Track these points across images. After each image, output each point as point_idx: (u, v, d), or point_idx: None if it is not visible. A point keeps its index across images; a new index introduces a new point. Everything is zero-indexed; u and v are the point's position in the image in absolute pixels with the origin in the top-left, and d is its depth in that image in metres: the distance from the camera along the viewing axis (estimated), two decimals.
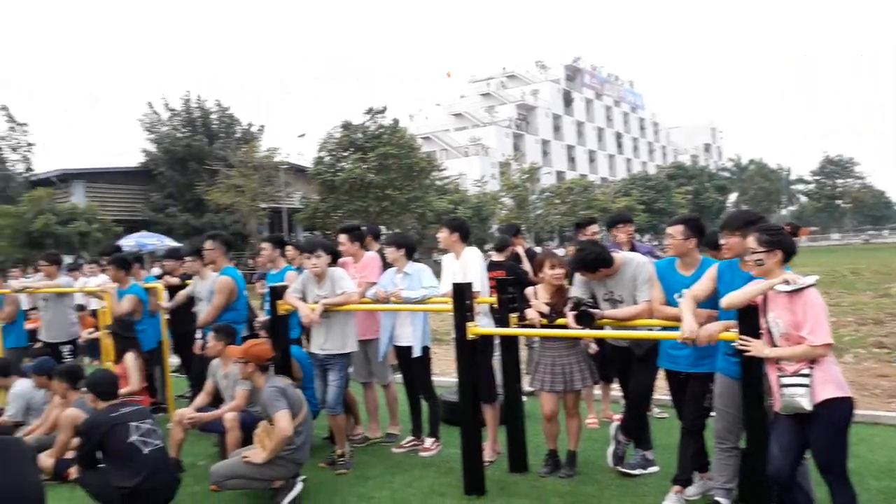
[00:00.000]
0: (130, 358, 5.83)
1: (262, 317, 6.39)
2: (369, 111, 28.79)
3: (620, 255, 4.42)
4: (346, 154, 28.48)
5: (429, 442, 5.36)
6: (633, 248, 5.39)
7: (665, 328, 4.02)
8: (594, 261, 4.26)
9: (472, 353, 4.33)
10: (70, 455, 4.86)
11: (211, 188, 27.18)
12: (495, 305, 4.76)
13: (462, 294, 4.23)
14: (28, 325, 8.18)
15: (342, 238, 5.65)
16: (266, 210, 29.36)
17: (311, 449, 4.66)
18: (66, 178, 28.74)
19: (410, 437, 5.55)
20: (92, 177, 29.56)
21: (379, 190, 27.07)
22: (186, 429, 5.05)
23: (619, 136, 77.96)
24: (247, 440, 4.75)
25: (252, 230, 27.70)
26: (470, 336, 4.25)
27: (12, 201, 23.40)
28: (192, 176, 29.47)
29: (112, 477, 3.98)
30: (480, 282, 4.82)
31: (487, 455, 4.77)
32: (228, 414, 4.86)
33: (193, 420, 5.02)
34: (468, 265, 4.93)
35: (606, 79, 78.33)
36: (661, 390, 4.75)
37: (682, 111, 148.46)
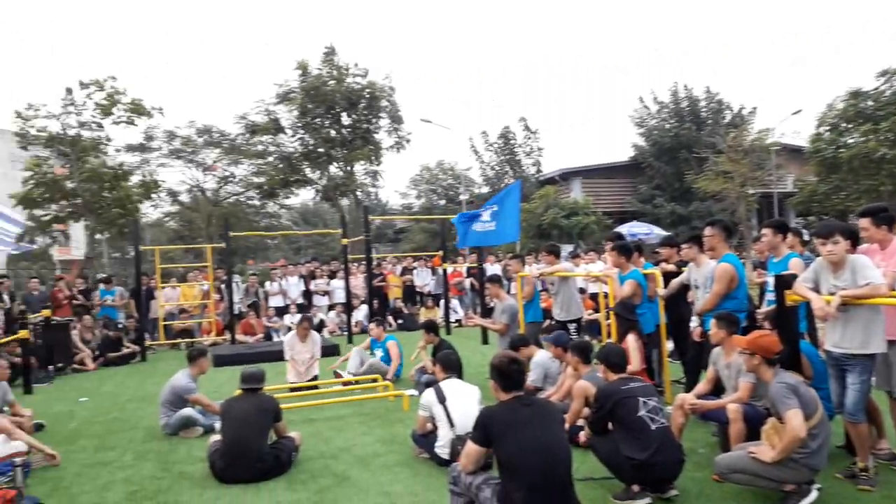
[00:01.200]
0: (632, 339, 6.15)
1: (764, 307, 6.03)
2: (883, 73, 24.41)
3: None
4: (850, 127, 24.79)
5: None
6: None
7: None
8: None
9: None
10: (580, 422, 5.37)
11: (699, 176, 26.94)
12: None
13: None
14: (541, 304, 9.34)
15: (864, 222, 4.89)
16: (755, 195, 27.70)
17: (827, 456, 4.18)
18: (566, 177, 32.18)
19: None
20: (587, 173, 32.43)
21: (894, 165, 22.76)
22: (687, 414, 5.07)
23: None
24: (749, 434, 4.54)
25: (741, 217, 26.47)
26: None
27: (526, 199, 27.32)
28: (681, 165, 29.75)
29: (622, 446, 4.25)
30: None
31: None
32: (731, 405, 4.71)
33: (695, 406, 5.01)
34: None
35: None
36: None
37: None
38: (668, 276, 7.22)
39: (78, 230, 25.41)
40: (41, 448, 5.62)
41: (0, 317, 11.28)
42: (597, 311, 10.89)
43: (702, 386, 5.33)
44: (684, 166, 29.57)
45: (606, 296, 8.04)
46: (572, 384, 5.69)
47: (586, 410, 5.19)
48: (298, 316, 14.40)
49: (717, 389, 5.26)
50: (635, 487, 4.25)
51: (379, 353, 8.95)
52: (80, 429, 7.07)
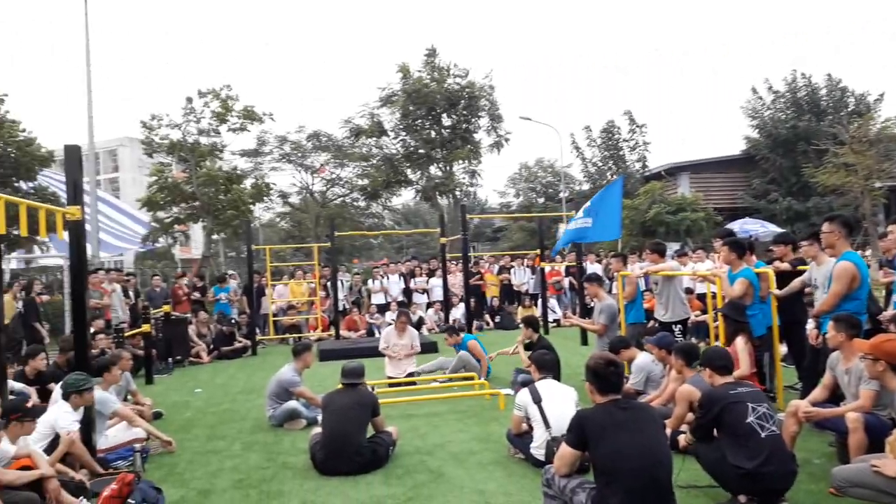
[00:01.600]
0: (741, 342, 5.82)
1: (891, 309, 5.56)
2: None
3: None
4: None
5: None
6: None
7: None
8: None
9: None
10: (683, 428, 5.13)
11: (818, 170, 25.23)
12: None
13: None
14: (644, 305, 9.02)
15: None
16: (882, 189, 25.60)
17: None
18: (673, 172, 30.96)
19: None
20: (696, 168, 31.05)
21: None
22: (801, 422, 4.75)
23: None
24: (871, 446, 4.20)
25: (865, 213, 24.55)
26: None
27: (630, 195, 26.54)
28: (799, 158, 27.97)
29: (728, 454, 4.01)
30: None
31: None
32: (851, 414, 4.36)
33: (810, 414, 4.68)
34: None
35: None
36: None
37: None
38: (781, 276, 6.79)
39: (198, 231, 27.05)
40: (159, 435, 6.01)
41: (126, 312, 12.17)
42: (704, 311, 10.41)
43: (818, 392, 4.97)
44: (802, 159, 27.74)
45: (715, 296, 7.67)
46: (676, 388, 5.47)
47: (690, 416, 4.96)
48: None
49: (835, 397, 4.90)
50: (742, 498, 4.01)
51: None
52: (194, 418, 7.50)
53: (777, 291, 6.52)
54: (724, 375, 4.38)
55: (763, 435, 3.95)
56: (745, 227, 22.05)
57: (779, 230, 19.41)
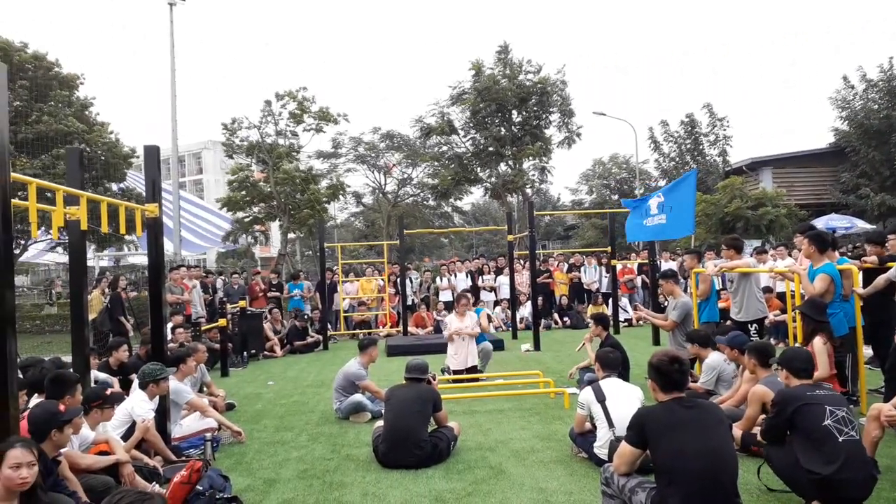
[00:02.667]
0: (819, 342, 5.52)
1: None
2: None
3: None
4: None
5: None
6: None
7: None
8: None
9: None
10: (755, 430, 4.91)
11: None
12: None
13: None
14: (719, 304, 8.68)
15: None
16: None
17: None
18: (754, 167, 29.67)
19: None
20: (779, 163, 29.66)
21: None
22: (884, 426, 4.44)
23: None
24: None
25: None
26: None
27: (709, 191, 25.62)
28: (892, 150, 26.29)
29: (802, 458, 3.80)
30: None
31: None
32: None
33: (892, 418, 4.37)
34: None
35: None
36: None
37: None
38: (868, 273, 6.40)
39: (277, 230, 27.91)
40: (229, 426, 6.22)
41: (204, 307, 12.66)
42: (784, 311, 9.93)
43: None
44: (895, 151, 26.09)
45: (794, 294, 7.30)
46: (749, 389, 5.23)
47: (762, 418, 4.74)
48: None
49: None
50: None
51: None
52: (264, 409, 7.72)
53: (860, 290, 6.16)
54: (802, 379, 4.16)
55: (840, 439, 3.73)
56: (830, 223, 20.98)
57: (868, 226, 18.34)
